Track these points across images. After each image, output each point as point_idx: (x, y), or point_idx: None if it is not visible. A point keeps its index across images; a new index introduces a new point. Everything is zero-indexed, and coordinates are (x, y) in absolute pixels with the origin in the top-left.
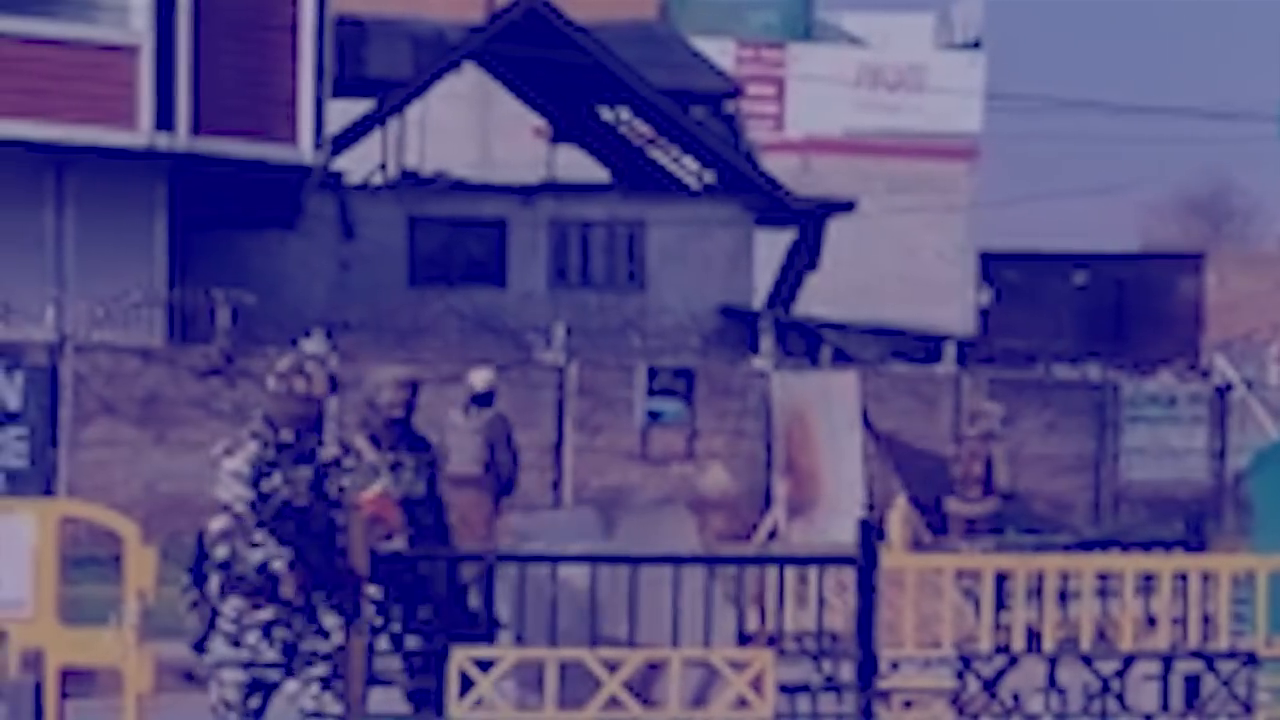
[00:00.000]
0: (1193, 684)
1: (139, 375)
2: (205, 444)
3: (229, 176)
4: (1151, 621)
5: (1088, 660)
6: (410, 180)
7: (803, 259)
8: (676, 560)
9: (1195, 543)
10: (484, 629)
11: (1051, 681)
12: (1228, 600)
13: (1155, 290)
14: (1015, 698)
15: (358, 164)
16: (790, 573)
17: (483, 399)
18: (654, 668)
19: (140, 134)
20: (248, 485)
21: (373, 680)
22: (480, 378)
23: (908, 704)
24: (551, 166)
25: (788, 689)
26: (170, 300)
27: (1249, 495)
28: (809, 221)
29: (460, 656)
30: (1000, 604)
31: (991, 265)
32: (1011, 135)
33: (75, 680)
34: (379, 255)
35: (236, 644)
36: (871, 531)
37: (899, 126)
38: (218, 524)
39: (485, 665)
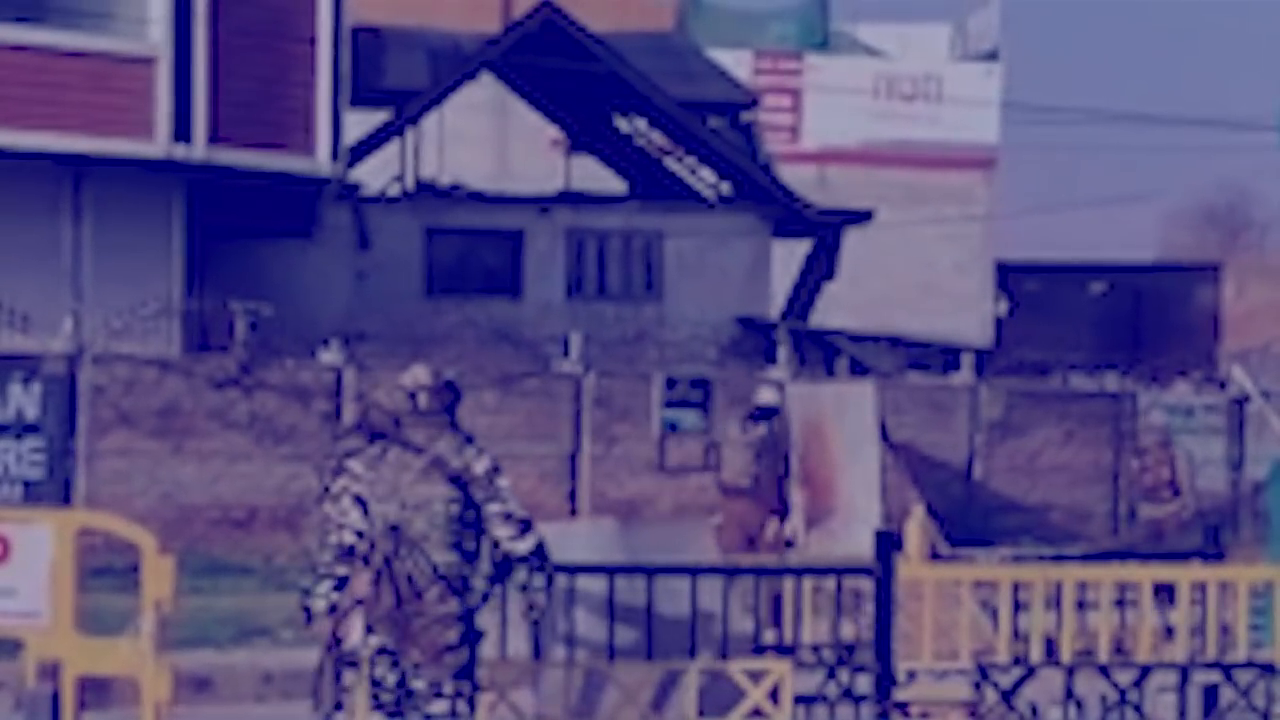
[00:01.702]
0: (1211, 694)
1: (156, 386)
2: (222, 454)
3: (246, 187)
4: (1169, 632)
5: (1105, 671)
6: (427, 191)
7: (819, 269)
8: (694, 570)
9: (1213, 553)
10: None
11: (1069, 692)
12: (1246, 611)
13: (1172, 300)
14: (1033, 708)
15: (374, 174)
16: (807, 583)
17: (763, 414)
18: (671, 678)
19: (157, 145)
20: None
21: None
22: (766, 394)
23: (925, 714)
24: (568, 177)
25: (805, 699)
26: (187, 311)
27: (1266, 505)
28: (826, 232)
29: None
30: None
31: (1008, 275)
32: (1028, 145)
33: (93, 690)
34: (395, 266)
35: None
36: (889, 542)
37: (915, 137)
38: (526, 544)
39: (503, 674)
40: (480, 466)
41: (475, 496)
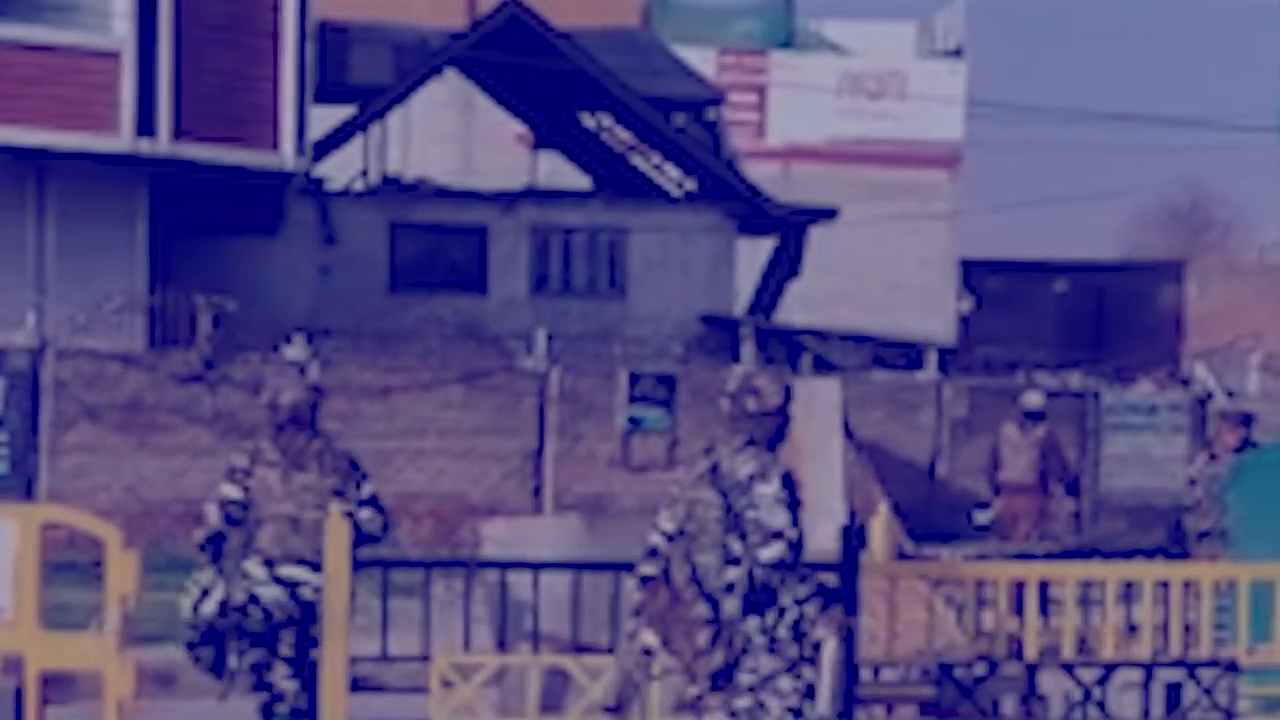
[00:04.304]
0: (1174, 692)
1: (120, 381)
2: (186, 449)
3: (210, 182)
4: (1133, 629)
5: (1069, 668)
6: (392, 186)
7: (784, 267)
8: None
9: (1176, 551)
10: None
11: (1032, 689)
12: (1209, 608)
13: (1136, 299)
14: (995, 705)
15: (339, 170)
16: None
17: (1035, 416)
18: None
19: (122, 139)
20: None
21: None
22: (1033, 398)
23: (889, 709)
24: (533, 173)
25: None
26: (151, 305)
27: (1229, 504)
28: (790, 229)
29: (442, 662)
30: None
31: (972, 273)
32: (993, 143)
33: (56, 685)
34: (360, 261)
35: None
36: (853, 538)
37: (880, 134)
38: (767, 552)
39: (467, 670)
40: (744, 471)
41: (736, 502)
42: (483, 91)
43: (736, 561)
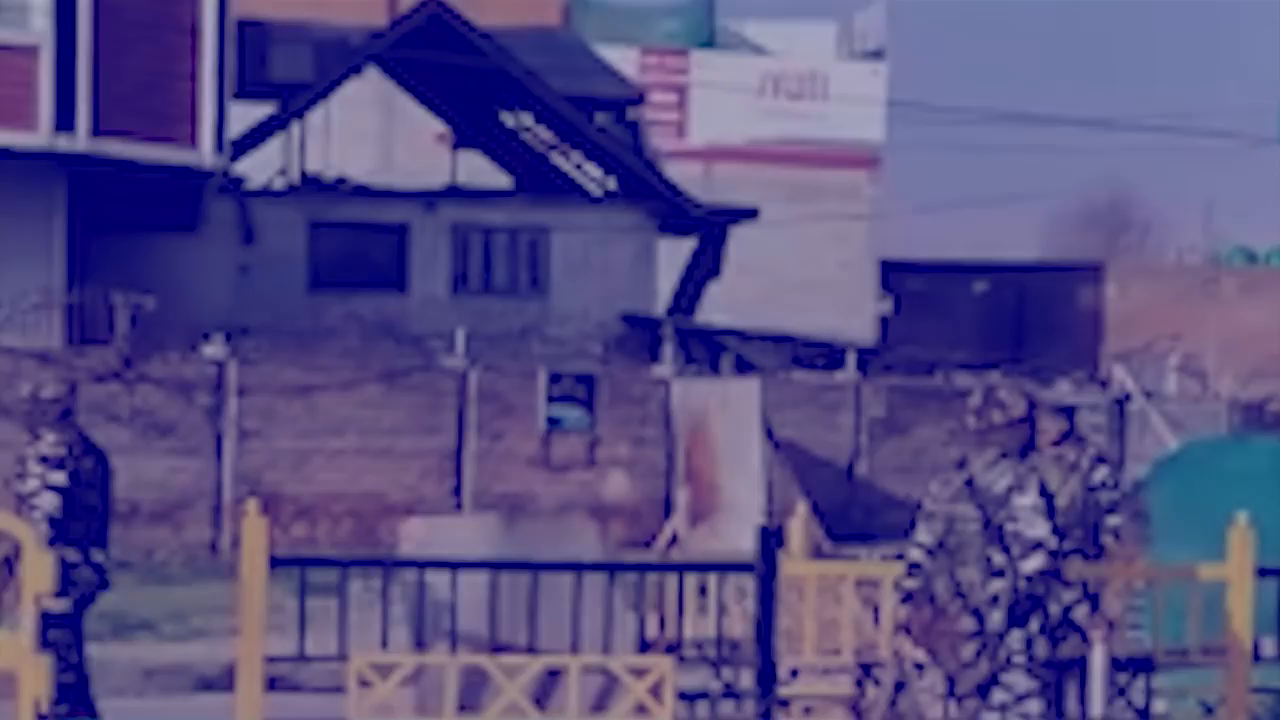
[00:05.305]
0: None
1: (36, 378)
2: (103, 448)
3: (129, 179)
4: None
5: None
6: (311, 185)
7: (704, 266)
8: (577, 567)
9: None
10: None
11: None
12: (1125, 608)
13: (1055, 300)
14: (914, 704)
15: (259, 168)
16: (690, 580)
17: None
18: (554, 674)
19: (39, 135)
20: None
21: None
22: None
23: (807, 710)
24: (454, 172)
25: (687, 696)
26: (69, 303)
27: (1147, 504)
28: (711, 229)
29: (359, 661)
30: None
31: (892, 274)
32: (913, 144)
33: None
34: (279, 260)
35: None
36: (771, 539)
37: (801, 135)
38: (1029, 564)
39: (384, 670)
40: (1001, 484)
41: (993, 515)
42: (403, 90)
43: (1000, 574)
